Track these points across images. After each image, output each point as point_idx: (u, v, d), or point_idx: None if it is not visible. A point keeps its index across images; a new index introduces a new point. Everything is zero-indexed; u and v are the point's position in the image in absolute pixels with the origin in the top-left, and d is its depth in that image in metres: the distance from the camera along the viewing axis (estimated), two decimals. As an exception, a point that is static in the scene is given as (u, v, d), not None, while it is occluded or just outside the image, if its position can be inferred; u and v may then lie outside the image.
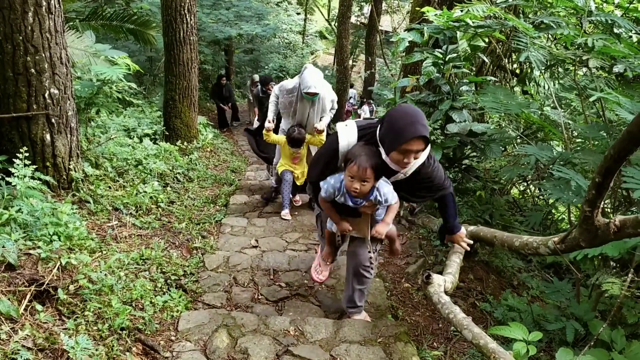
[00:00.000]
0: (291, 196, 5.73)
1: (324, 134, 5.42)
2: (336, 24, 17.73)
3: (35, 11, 3.68)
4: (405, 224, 5.07)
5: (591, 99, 3.35)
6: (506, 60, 6.28)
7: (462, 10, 3.83)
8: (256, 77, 12.08)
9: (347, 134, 2.60)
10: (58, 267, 2.90)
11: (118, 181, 5.01)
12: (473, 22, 3.81)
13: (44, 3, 3.71)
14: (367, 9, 20.57)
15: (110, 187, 4.77)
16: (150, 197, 4.95)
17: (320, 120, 5.35)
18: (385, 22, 19.70)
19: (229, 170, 7.99)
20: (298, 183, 5.50)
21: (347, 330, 2.97)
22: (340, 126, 2.67)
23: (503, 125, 5.42)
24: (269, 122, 5.35)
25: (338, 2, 15.53)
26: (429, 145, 2.45)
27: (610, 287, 2.79)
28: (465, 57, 4.79)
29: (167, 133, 7.76)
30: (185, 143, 7.72)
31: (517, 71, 5.96)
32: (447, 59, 4.64)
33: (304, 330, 2.97)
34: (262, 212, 5.56)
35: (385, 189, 2.65)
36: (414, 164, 2.58)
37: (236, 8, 14.18)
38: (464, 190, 5.19)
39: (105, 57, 5.86)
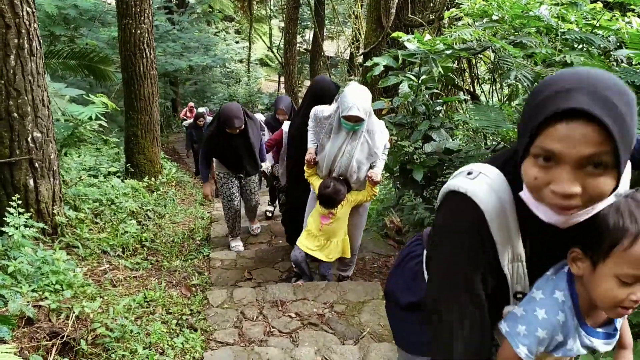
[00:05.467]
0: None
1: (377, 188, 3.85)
2: (280, 51, 17.97)
3: (18, 54, 3.56)
4: (393, 244, 5.16)
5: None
6: (460, 80, 6.61)
7: (450, 35, 4.03)
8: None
9: (484, 180, 1.15)
10: (72, 318, 2.78)
11: (97, 223, 4.84)
12: (458, 45, 4.01)
13: (26, 45, 3.60)
14: (309, 35, 20.97)
15: (91, 230, 4.60)
16: (133, 237, 4.81)
17: (370, 166, 3.72)
18: (328, 47, 20.11)
19: (197, 203, 7.88)
20: (324, 259, 3.88)
21: (374, 355, 2.99)
22: (457, 180, 1.20)
23: (477, 140, 5.64)
24: (311, 153, 3.80)
25: (281, 29, 15.78)
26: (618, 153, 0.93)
27: None
28: (439, 79, 5.00)
29: (132, 170, 7.56)
30: (152, 179, 7.54)
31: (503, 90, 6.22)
32: (420, 81, 4.84)
33: (332, 359, 2.96)
34: (246, 243, 5.50)
35: None
36: (592, 209, 1.02)
37: (182, 40, 14.11)
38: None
39: (69, 97, 5.70)
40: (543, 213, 1.03)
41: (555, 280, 1.13)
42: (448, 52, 4.06)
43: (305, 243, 3.86)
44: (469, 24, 4.86)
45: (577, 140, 0.91)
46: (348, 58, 18.63)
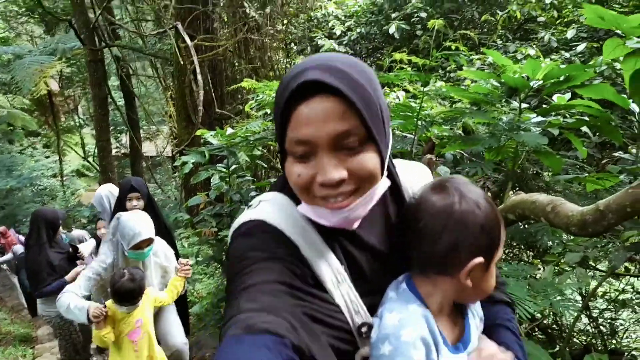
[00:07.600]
0: None
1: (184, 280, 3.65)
2: (96, 159, 17.26)
3: None
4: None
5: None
6: (276, 161, 7.01)
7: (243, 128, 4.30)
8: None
9: (266, 205, 1.03)
10: None
11: None
12: (254, 136, 4.29)
13: None
14: (125, 138, 20.51)
15: None
16: None
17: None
18: (149, 147, 19.82)
19: (16, 342, 7.01)
20: None
21: None
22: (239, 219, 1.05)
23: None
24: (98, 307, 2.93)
25: (95, 138, 15.23)
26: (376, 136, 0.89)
27: None
28: (248, 167, 5.26)
29: None
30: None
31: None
32: (231, 171, 5.04)
33: None
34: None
35: None
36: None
37: (-22, 164, 12.90)
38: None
39: None
40: (324, 217, 0.92)
41: (403, 296, 0.97)
42: (243, 144, 4.33)
43: None
44: (265, 114, 5.27)
45: (322, 118, 0.84)
46: (171, 156, 18.57)
